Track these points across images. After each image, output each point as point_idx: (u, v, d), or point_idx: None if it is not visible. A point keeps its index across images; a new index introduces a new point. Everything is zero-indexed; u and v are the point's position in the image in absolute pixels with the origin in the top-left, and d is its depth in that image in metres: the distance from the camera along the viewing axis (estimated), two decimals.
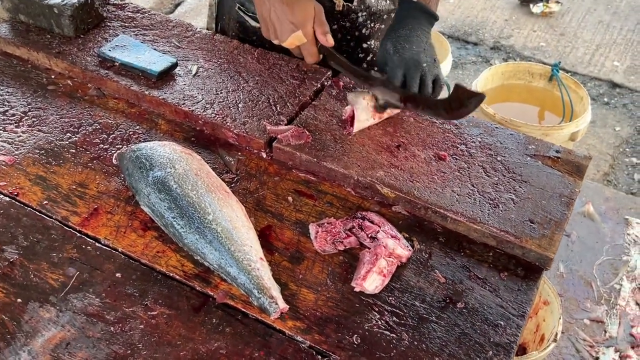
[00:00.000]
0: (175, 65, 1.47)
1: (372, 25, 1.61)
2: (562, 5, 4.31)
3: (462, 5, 4.38)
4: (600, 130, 3.45)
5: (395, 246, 1.12)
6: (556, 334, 1.89)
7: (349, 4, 1.53)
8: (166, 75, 1.46)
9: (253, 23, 1.57)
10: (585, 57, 3.95)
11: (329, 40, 1.30)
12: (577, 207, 2.73)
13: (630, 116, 3.55)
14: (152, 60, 1.46)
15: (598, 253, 2.58)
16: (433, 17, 1.37)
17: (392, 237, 1.14)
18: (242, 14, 1.59)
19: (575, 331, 2.31)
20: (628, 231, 2.68)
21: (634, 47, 4.03)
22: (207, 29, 1.72)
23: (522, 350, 2.12)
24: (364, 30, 1.60)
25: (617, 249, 2.61)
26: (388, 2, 1.58)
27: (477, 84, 2.66)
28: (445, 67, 2.87)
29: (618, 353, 2.23)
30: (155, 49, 1.52)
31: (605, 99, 3.67)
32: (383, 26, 1.62)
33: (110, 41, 1.54)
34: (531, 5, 4.30)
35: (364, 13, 1.58)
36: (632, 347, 2.25)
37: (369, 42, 1.63)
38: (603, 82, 3.78)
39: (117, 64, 1.48)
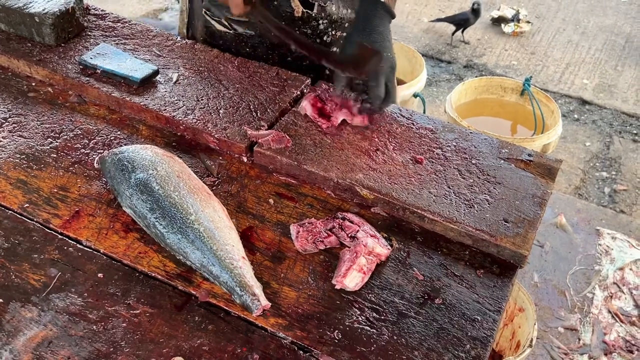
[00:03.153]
0: (156, 73, 1.49)
1: (333, 32, 1.63)
2: (532, 25, 4.43)
3: (436, 25, 4.48)
4: (571, 145, 3.53)
5: (374, 245, 1.15)
6: (531, 340, 1.92)
7: (309, 12, 1.57)
8: (147, 83, 1.48)
9: (219, 27, 1.61)
10: (555, 75, 4.06)
11: None
12: (550, 219, 2.80)
13: (599, 132, 3.65)
14: (134, 67, 1.48)
15: (571, 263, 2.64)
16: (392, 16, 1.41)
17: (371, 236, 1.17)
18: (208, 18, 1.63)
19: (550, 339, 2.35)
20: (599, 242, 2.74)
21: (601, 65, 4.16)
22: (179, 33, 1.76)
23: (499, 358, 2.14)
24: (325, 37, 1.62)
25: (589, 259, 2.67)
26: (349, 10, 1.61)
27: (451, 98, 2.72)
28: (420, 84, 2.93)
29: None
30: (136, 57, 1.54)
31: (576, 116, 3.77)
32: (345, 34, 1.65)
33: (91, 49, 1.55)
34: (503, 25, 4.42)
35: (325, 21, 1.60)
36: (605, 354, 2.30)
37: (330, 50, 1.67)
38: (573, 99, 3.89)
39: (99, 72, 1.49)
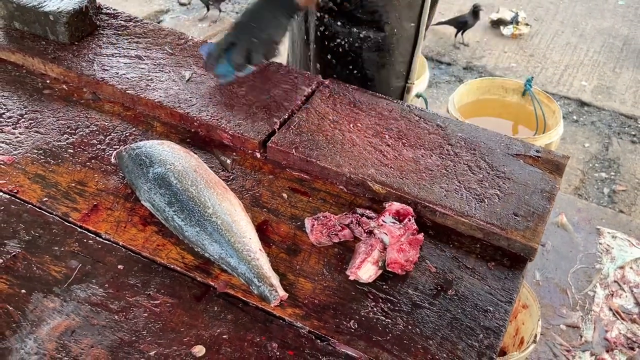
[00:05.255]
0: None
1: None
2: (531, 27, 4.47)
3: (435, 27, 4.50)
4: (570, 146, 3.56)
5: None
6: (535, 335, 1.94)
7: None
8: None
9: None
10: (554, 77, 4.09)
11: None
12: (551, 218, 2.82)
13: (598, 133, 3.68)
14: None
15: (572, 261, 2.67)
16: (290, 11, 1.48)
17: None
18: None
19: (552, 336, 2.37)
20: (600, 241, 2.77)
21: (600, 67, 4.19)
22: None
23: (502, 353, 2.17)
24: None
25: (590, 257, 2.70)
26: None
27: (453, 99, 2.75)
28: (422, 85, 2.96)
29: (594, 357, 2.30)
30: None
31: (574, 117, 3.80)
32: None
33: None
34: (502, 28, 4.45)
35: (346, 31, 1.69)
36: (607, 351, 2.32)
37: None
38: (572, 101, 3.92)
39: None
